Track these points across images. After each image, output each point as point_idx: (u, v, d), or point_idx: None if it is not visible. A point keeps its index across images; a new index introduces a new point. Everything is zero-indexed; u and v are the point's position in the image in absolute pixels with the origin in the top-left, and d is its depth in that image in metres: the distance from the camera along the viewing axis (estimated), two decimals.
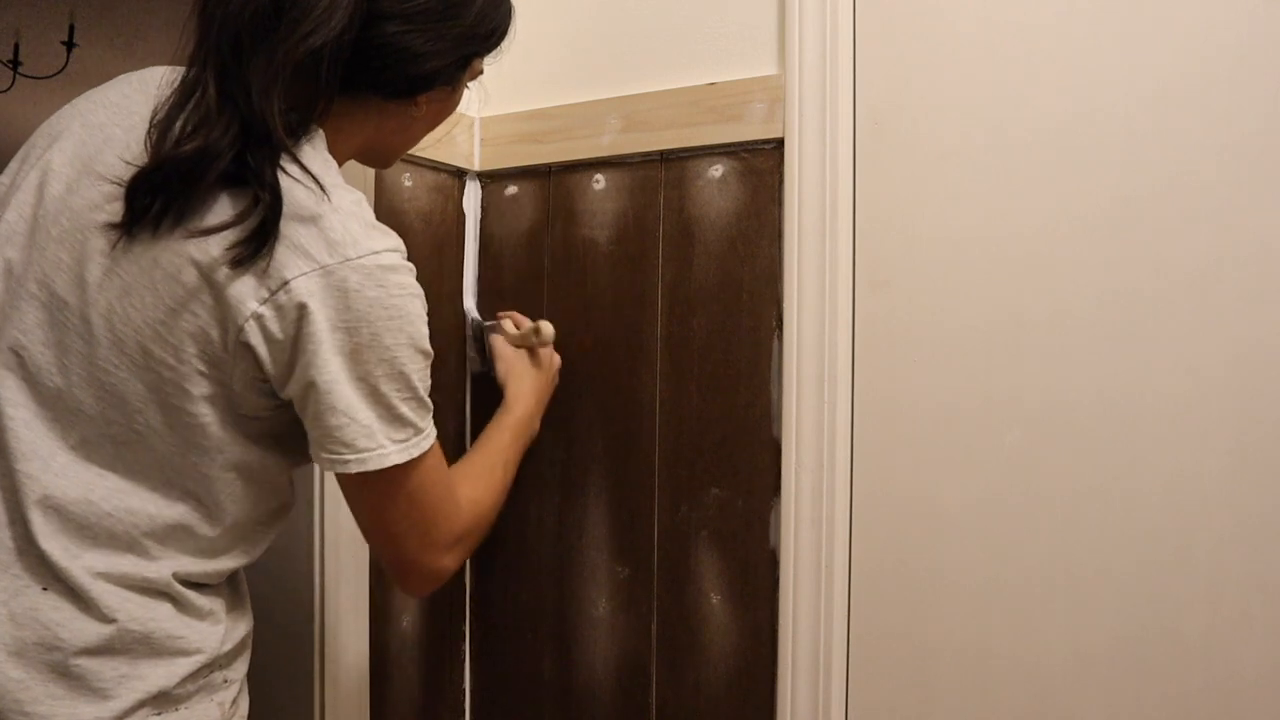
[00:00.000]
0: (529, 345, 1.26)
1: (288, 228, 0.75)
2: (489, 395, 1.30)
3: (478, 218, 1.44)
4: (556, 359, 1.29)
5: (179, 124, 0.75)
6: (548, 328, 1.23)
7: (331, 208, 0.76)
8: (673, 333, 1.28)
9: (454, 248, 1.41)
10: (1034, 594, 1.08)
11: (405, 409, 0.80)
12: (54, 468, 0.77)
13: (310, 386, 0.77)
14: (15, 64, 4.20)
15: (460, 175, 1.41)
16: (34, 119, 0.91)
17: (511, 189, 1.42)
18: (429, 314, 0.83)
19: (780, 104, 1.20)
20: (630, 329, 1.31)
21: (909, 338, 1.14)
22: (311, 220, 0.75)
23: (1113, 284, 1.04)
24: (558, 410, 1.37)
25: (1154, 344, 1.02)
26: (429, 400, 0.83)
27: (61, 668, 0.75)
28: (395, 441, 0.80)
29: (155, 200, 0.74)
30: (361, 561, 1.26)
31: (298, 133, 0.78)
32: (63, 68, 4.08)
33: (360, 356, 0.77)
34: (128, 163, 0.77)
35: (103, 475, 0.78)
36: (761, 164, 1.22)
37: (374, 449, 0.79)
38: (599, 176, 1.34)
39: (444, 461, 0.88)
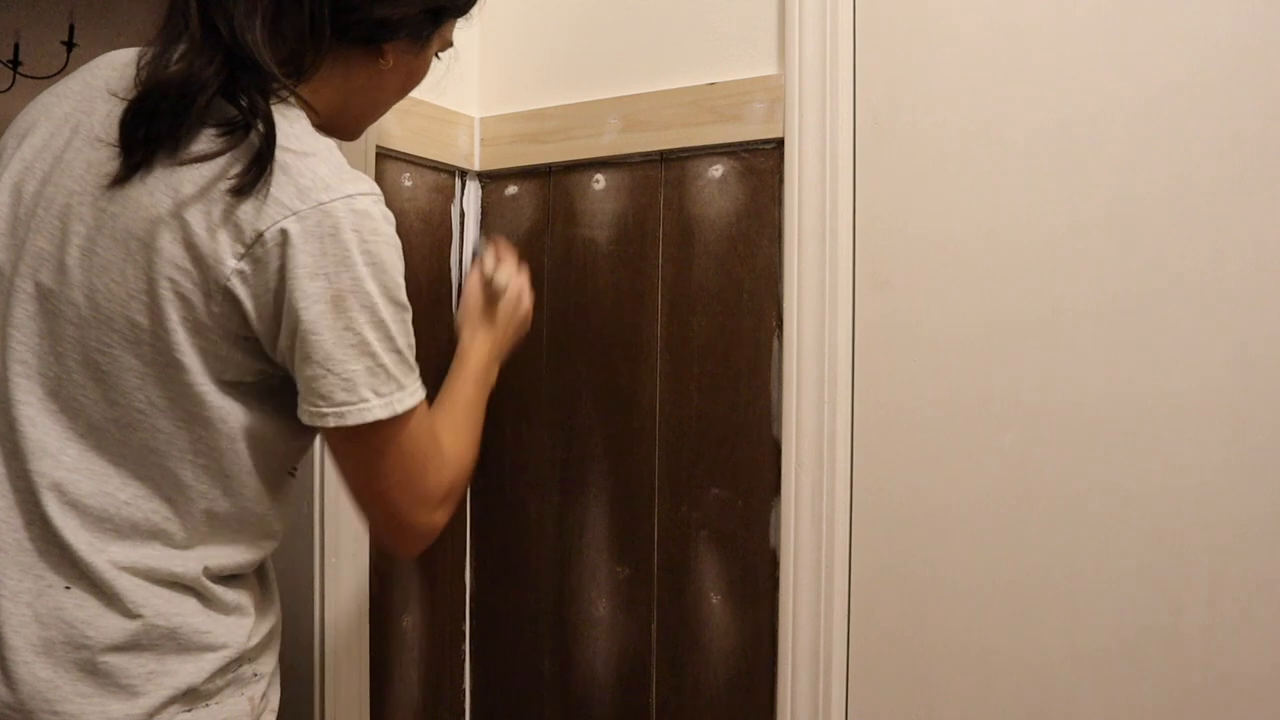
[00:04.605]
0: (488, 292, 1.19)
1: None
2: None
3: (478, 218, 1.44)
4: (525, 303, 1.20)
5: (165, 56, 0.76)
6: (501, 279, 1.17)
7: (303, 151, 0.77)
8: (673, 333, 1.28)
9: (454, 248, 1.41)
10: (1034, 594, 1.08)
11: (387, 360, 0.78)
12: (65, 462, 0.77)
13: (294, 334, 0.76)
14: (15, 64, 4.20)
15: (460, 175, 1.41)
16: None
17: (511, 189, 1.42)
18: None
19: (780, 104, 1.20)
20: (630, 329, 1.31)
21: (909, 338, 1.14)
22: (281, 168, 0.75)
23: (1112, 284, 1.04)
24: (558, 410, 1.37)
25: (1154, 344, 1.02)
26: (412, 360, 0.82)
27: (89, 665, 0.75)
28: (379, 395, 0.78)
29: (146, 129, 0.75)
30: (361, 561, 1.26)
31: (292, 77, 0.79)
32: (63, 68, 4.07)
33: (342, 303, 0.76)
34: (119, 96, 0.77)
35: (115, 462, 0.78)
36: (761, 164, 1.22)
37: (354, 403, 0.77)
38: (599, 176, 1.34)
39: (431, 420, 0.86)
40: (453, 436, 0.94)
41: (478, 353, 1.12)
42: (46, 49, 4.10)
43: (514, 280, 1.19)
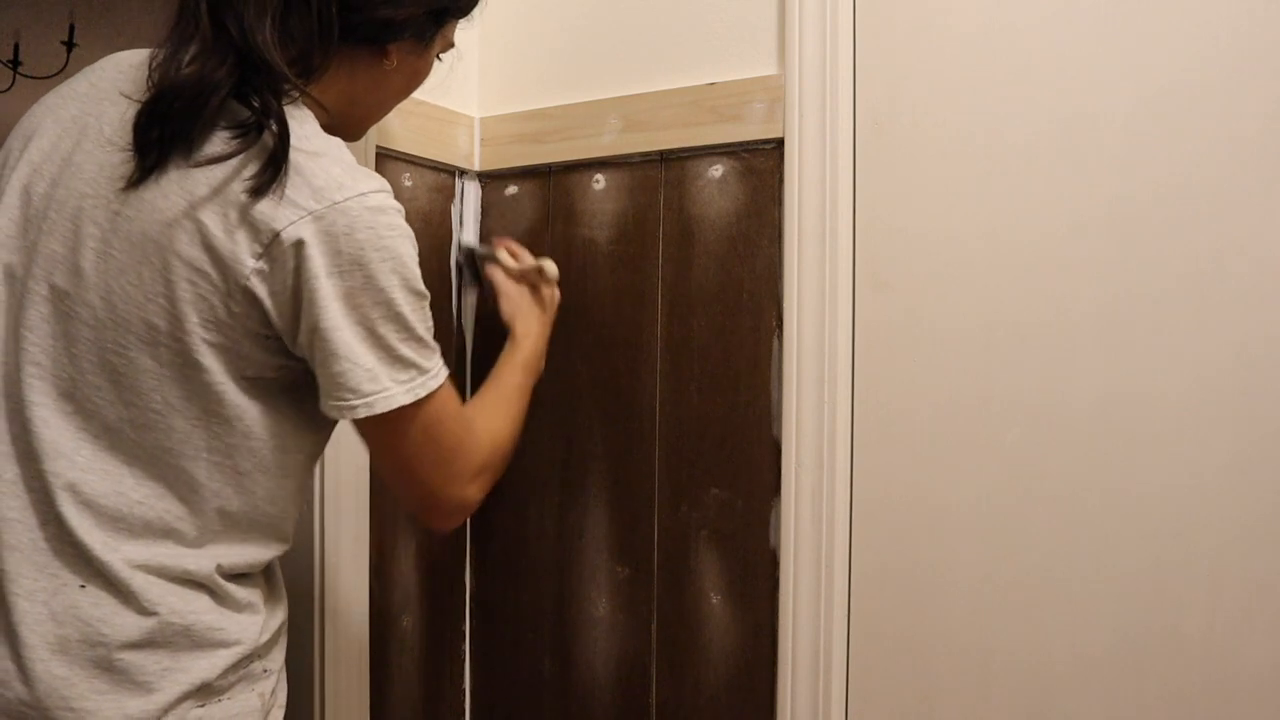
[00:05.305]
0: (530, 282, 1.25)
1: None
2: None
3: (477, 218, 1.44)
4: (556, 293, 1.26)
5: (177, 58, 0.77)
6: (552, 267, 1.23)
7: (315, 151, 0.78)
8: (673, 333, 1.28)
9: (454, 248, 1.41)
10: (1034, 594, 1.08)
11: (405, 349, 0.81)
12: (79, 463, 0.77)
13: (314, 332, 0.78)
14: (15, 64, 4.20)
15: (460, 175, 1.41)
16: None
17: (511, 189, 1.42)
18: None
19: (780, 104, 1.20)
20: (630, 329, 1.31)
21: (909, 338, 1.14)
22: (295, 168, 0.76)
23: (1113, 284, 1.04)
24: (558, 410, 1.37)
25: (1154, 344, 1.02)
26: (432, 341, 0.84)
27: (105, 663, 0.76)
28: (399, 383, 0.81)
29: (160, 131, 0.75)
30: (361, 562, 1.26)
31: (301, 77, 0.80)
32: (63, 68, 4.07)
33: (356, 300, 0.78)
34: (132, 98, 0.77)
35: (129, 462, 0.78)
36: (761, 164, 1.22)
37: (378, 392, 0.79)
38: (599, 176, 1.34)
39: (457, 398, 0.89)
40: (488, 416, 0.98)
41: (534, 340, 1.18)
42: (46, 49, 4.10)
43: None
